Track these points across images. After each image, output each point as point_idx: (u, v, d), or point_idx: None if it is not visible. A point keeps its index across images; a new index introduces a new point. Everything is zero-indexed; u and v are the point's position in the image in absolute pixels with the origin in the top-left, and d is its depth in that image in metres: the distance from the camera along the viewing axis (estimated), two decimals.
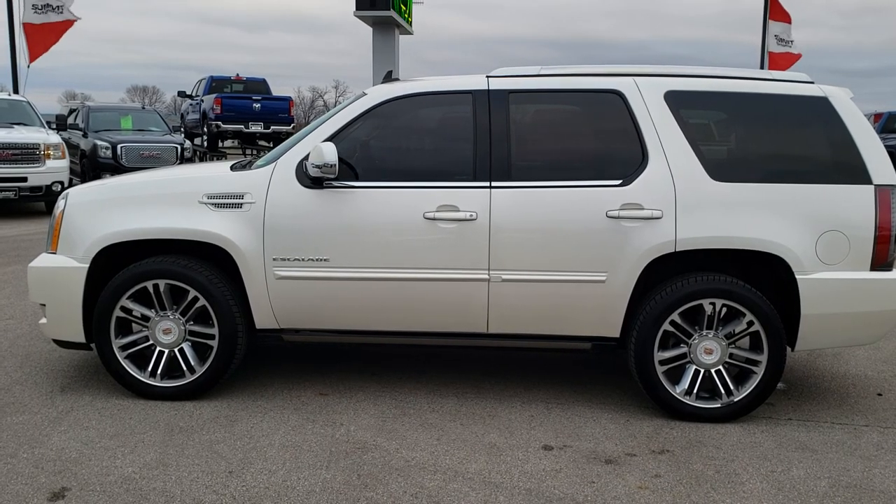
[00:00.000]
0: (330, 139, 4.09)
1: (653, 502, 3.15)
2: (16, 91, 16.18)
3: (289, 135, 18.24)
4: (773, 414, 4.14)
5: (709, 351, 3.97)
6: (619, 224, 3.91)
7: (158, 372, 4.16)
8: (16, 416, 3.93)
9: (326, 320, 4.14)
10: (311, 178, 4.02)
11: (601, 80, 4.12)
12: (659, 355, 3.97)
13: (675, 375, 4.03)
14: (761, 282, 4.16)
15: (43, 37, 15.99)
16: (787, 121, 4.05)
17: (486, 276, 3.97)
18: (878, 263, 3.91)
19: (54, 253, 4.19)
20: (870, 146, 3.95)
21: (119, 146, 14.50)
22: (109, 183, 4.42)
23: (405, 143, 4.32)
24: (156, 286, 4.09)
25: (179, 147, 15.14)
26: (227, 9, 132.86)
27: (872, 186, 3.90)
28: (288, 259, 4.03)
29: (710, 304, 3.92)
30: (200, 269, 4.07)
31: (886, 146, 4.20)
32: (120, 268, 4.21)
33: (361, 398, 4.27)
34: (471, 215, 3.96)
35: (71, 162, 13.46)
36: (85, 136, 15.04)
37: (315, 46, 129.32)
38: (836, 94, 4.06)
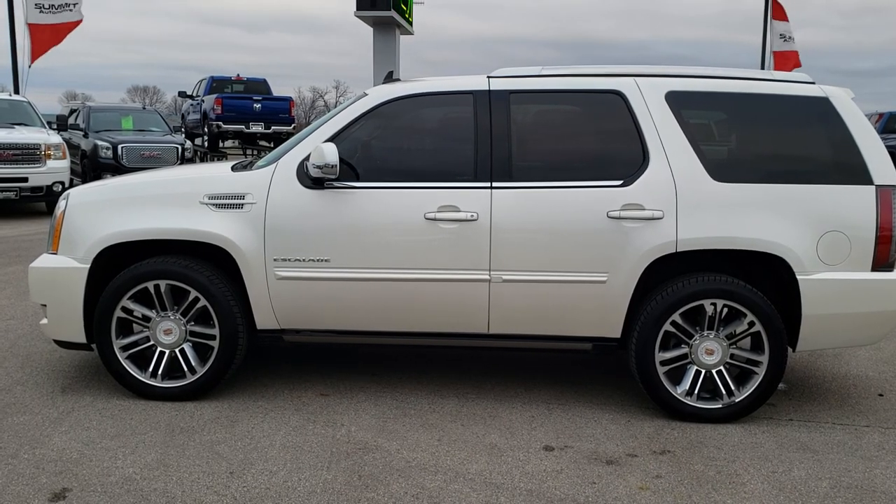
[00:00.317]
0: (331, 140, 4.09)
1: (654, 503, 3.15)
2: (17, 91, 16.19)
3: (289, 135, 18.22)
4: (774, 414, 4.14)
5: (710, 351, 3.97)
6: (620, 224, 3.90)
7: (159, 372, 4.16)
8: (17, 416, 3.93)
9: (327, 321, 4.14)
10: (311, 179, 4.02)
11: (602, 80, 4.12)
12: (660, 356, 3.97)
13: (676, 376, 4.02)
14: (762, 282, 4.15)
15: (47, 37, 15.99)
16: (788, 121, 4.05)
17: (487, 277, 3.97)
18: (880, 264, 3.90)
19: (55, 253, 4.19)
20: (871, 146, 3.94)
21: (120, 146, 14.51)
22: (110, 183, 4.42)
23: (406, 144, 4.32)
24: (157, 287, 4.09)
25: (180, 147, 15.15)
26: (228, 9, 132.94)
27: (873, 187, 3.90)
28: (289, 259, 4.03)
29: (712, 304, 3.92)
30: (201, 270, 4.07)
31: (887, 146, 4.19)
32: (121, 268, 4.22)
33: (362, 399, 4.26)
34: (472, 216, 3.96)
35: (72, 162, 13.47)
36: (86, 136, 15.04)
37: (316, 46, 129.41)
38: (836, 94, 4.05)
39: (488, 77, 4.21)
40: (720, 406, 3.98)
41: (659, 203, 3.90)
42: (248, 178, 4.12)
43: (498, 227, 3.95)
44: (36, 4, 15.79)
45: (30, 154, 11.84)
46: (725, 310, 3.95)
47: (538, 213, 3.95)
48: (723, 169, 3.95)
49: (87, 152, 14.71)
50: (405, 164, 4.21)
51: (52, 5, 15.92)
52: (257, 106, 19.99)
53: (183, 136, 16.99)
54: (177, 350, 4.17)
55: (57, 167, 12.12)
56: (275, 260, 4.03)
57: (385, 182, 4.05)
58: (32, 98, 14.10)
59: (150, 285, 4.09)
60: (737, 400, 3.97)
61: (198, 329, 4.15)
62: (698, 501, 3.17)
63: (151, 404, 4.11)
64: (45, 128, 12.93)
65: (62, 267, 4.12)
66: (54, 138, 12.40)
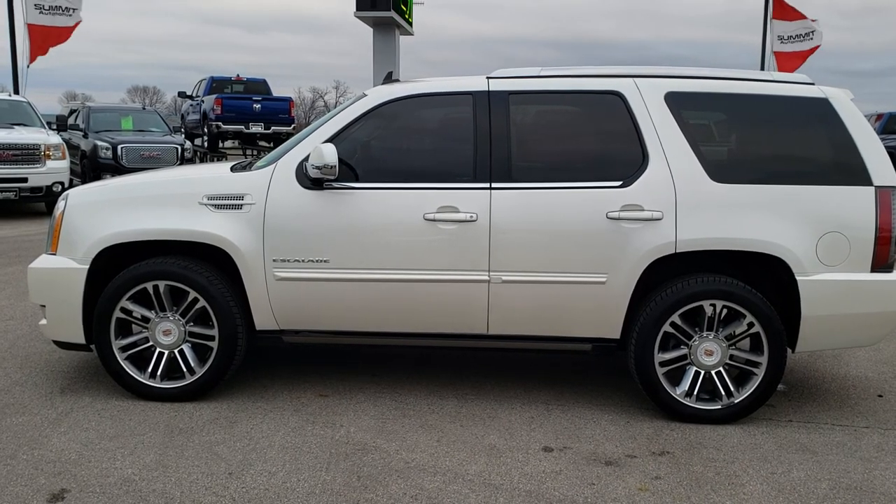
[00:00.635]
0: (330, 140, 4.09)
1: None
2: (16, 91, 16.18)
3: (289, 135, 18.22)
4: (773, 415, 4.14)
5: (709, 352, 3.97)
6: (619, 225, 3.90)
7: (158, 373, 4.15)
8: (15, 417, 3.93)
9: (326, 321, 4.14)
10: (311, 180, 4.02)
11: (601, 81, 4.12)
12: (659, 357, 3.97)
13: (676, 377, 4.02)
14: (762, 283, 4.15)
15: (47, 38, 15.99)
16: (787, 122, 4.05)
17: (487, 278, 3.97)
18: (879, 265, 3.90)
19: (54, 254, 4.19)
20: (870, 147, 3.94)
21: (119, 147, 14.51)
22: (110, 184, 4.42)
23: (405, 145, 4.32)
24: (156, 287, 4.09)
25: (180, 148, 15.15)
26: (228, 9, 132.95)
27: (873, 188, 3.90)
28: (288, 260, 4.03)
29: (711, 305, 3.92)
30: (200, 271, 4.06)
31: (887, 147, 4.19)
32: (120, 269, 4.21)
33: (361, 399, 4.26)
34: (471, 216, 3.95)
35: (71, 162, 13.46)
36: (85, 136, 15.04)
37: (315, 47, 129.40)
38: (836, 95, 4.05)
39: (488, 78, 4.21)
40: (719, 407, 3.97)
41: (658, 204, 3.90)
42: (248, 178, 4.12)
43: (497, 227, 3.95)
44: (35, 5, 15.79)
45: (29, 154, 11.84)
46: (725, 311, 3.95)
47: (537, 214, 3.95)
48: (722, 170, 3.95)
49: (87, 152, 14.71)
50: (404, 164, 4.21)
51: (52, 7, 15.92)
52: (257, 106, 19.98)
53: (182, 136, 16.98)
54: (176, 351, 4.17)
55: (56, 167, 12.12)
56: (274, 260, 4.03)
57: (384, 183, 4.05)
58: (32, 98, 14.10)
59: (150, 286, 4.08)
60: (736, 401, 3.97)
61: (197, 330, 4.15)
62: (697, 502, 3.17)
63: (150, 405, 4.11)
64: (44, 128, 12.92)
65: (61, 267, 4.12)
66: (54, 138, 12.40)
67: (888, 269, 3.93)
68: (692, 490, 3.27)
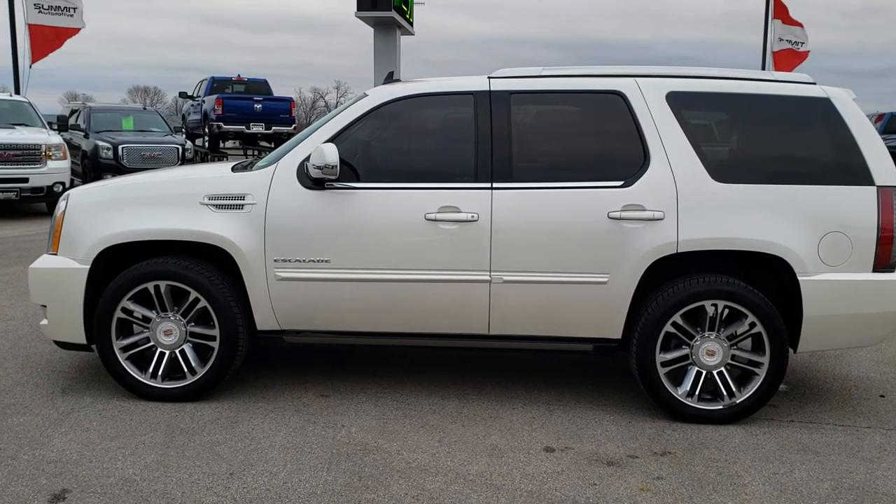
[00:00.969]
0: (331, 140, 4.08)
1: None
2: (17, 92, 16.18)
3: (290, 135, 18.23)
4: (775, 416, 4.13)
5: (711, 352, 3.96)
6: (620, 225, 3.90)
7: (159, 373, 4.15)
8: (17, 417, 3.93)
9: (327, 321, 4.14)
10: (312, 179, 4.02)
11: (603, 80, 4.11)
12: (661, 357, 3.96)
13: (677, 377, 4.02)
14: (763, 283, 4.15)
15: (47, 39, 15.99)
16: (789, 122, 4.05)
17: (488, 278, 3.97)
18: (881, 265, 3.90)
19: (55, 254, 4.19)
20: (872, 147, 3.94)
21: (120, 147, 14.51)
22: (111, 184, 4.42)
23: (406, 144, 4.32)
24: (157, 287, 4.09)
25: (181, 148, 15.15)
26: (229, 9, 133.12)
27: (875, 187, 3.89)
28: (289, 260, 4.02)
29: (713, 305, 3.91)
30: (201, 271, 4.06)
31: (888, 147, 4.18)
32: (121, 269, 4.21)
33: (363, 399, 4.26)
34: (472, 216, 3.95)
35: (72, 163, 13.47)
36: (86, 136, 15.05)
37: (316, 47, 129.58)
38: (838, 94, 4.05)
39: (489, 77, 4.20)
40: (721, 407, 3.97)
41: (660, 204, 3.89)
42: (249, 178, 4.11)
43: (498, 227, 3.94)
44: (35, 5, 15.79)
45: (30, 154, 11.84)
46: (726, 311, 3.94)
47: (539, 214, 3.94)
48: (724, 169, 3.94)
49: (88, 153, 14.71)
50: (405, 164, 4.21)
51: (52, 7, 15.92)
52: (258, 106, 19.98)
53: (183, 136, 16.98)
54: (177, 351, 4.16)
55: (57, 168, 12.12)
56: (275, 260, 4.02)
57: (385, 183, 4.05)
58: (33, 98, 14.11)
59: (151, 286, 4.08)
60: (738, 401, 3.96)
61: (198, 330, 4.15)
62: (699, 503, 3.16)
63: (151, 405, 4.11)
64: (45, 128, 12.93)
65: (62, 268, 4.12)
66: (55, 139, 12.41)
67: (890, 270, 3.92)
68: (694, 490, 3.27)
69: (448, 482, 3.30)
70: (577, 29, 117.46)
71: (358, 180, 4.06)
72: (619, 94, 4.06)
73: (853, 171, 3.92)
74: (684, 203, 3.89)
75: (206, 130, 20.48)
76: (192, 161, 15.48)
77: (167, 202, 4.10)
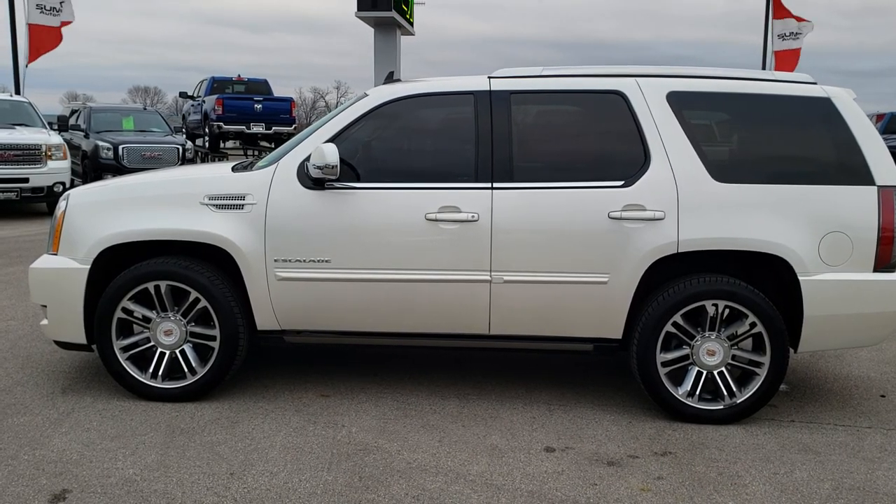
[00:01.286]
0: (331, 140, 4.08)
1: None
2: (17, 92, 16.19)
3: (290, 136, 18.23)
4: (775, 416, 4.13)
5: (711, 352, 3.96)
6: (621, 225, 3.90)
7: (159, 373, 4.15)
8: (17, 417, 3.93)
9: (328, 321, 4.14)
10: (312, 180, 4.01)
11: (603, 80, 4.11)
12: (661, 357, 3.96)
13: (678, 377, 4.01)
14: (764, 283, 4.14)
15: (46, 39, 16.00)
16: (789, 122, 4.04)
17: (488, 278, 3.97)
18: (882, 265, 3.89)
19: (55, 254, 4.19)
20: (873, 147, 3.93)
21: (121, 147, 14.51)
22: (111, 184, 4.42)
23: (407, 144, 4.32)
24: (157, 287, 4.09)
25: (181, 148, 15.15)
26: (229, 9, 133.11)
27: (875, 187, 3.89)
28: (289, 260, 4.02)
29: (713, 305, 3.91)
30: (202, 271, 4.06)
31: (889, 147, 4.18)
32: (121, 269, 4.21)
33: (363, 399, 4.26)
34: (472, 216, 3.95)
35: (72, 163, 13.47)
36: (86, 136, 15.05)
37: (317, 47, 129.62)
38: (838, 94, 4.04)
39: (489, 77, 4.20)
40: (721, 407, 3.97)
41: (660, 204, 3.89)
42: (249, 178, 4.11)
43: (499, 227, 3.94)
44: (37, 5, 15.80)
45: (31, 154, 11.85)
46: (727, 311, 3.94)
47: (539, 214, 3.94)
48: (724, 169, 3.94)
49: (88, 153, 14.71)
50: (406, 164, 4.21)
51: (53, 7, 15.93)
52: (258, 106, 19.97)
53: (184, 136, 16.98)
54: (177, 351, 4.16)
55: (58, 168, 12.13)
56: (275, 260, 4.02)
57: (386, 182, 4.05)
58: (33, 99, 14.11)
59: (151, 286, 4.08)
60: (738, 401, 3.96)
61: (198, 330, 4.15)
62: (699, 503, 3.16)
63: (152, 405, 4.11)
64: (45, 128, 12.94)
65: (62, 268, 4.11)
66: (55, 139, 12.41)
67: (891, 269, 3.92)
68: (694, 490, 3.26)
69: (448, 482, 3.30)
70: (577, 29, 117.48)
71: (358, 180, 4.06)
72: (620, 94, 4.06)
73: (854, 170, 3.91)
74: (685, 203, 3.88)
75: (207, 130, 20.48)
76: (192, 161, 15.48)
77: (167, 202, 4.10)
